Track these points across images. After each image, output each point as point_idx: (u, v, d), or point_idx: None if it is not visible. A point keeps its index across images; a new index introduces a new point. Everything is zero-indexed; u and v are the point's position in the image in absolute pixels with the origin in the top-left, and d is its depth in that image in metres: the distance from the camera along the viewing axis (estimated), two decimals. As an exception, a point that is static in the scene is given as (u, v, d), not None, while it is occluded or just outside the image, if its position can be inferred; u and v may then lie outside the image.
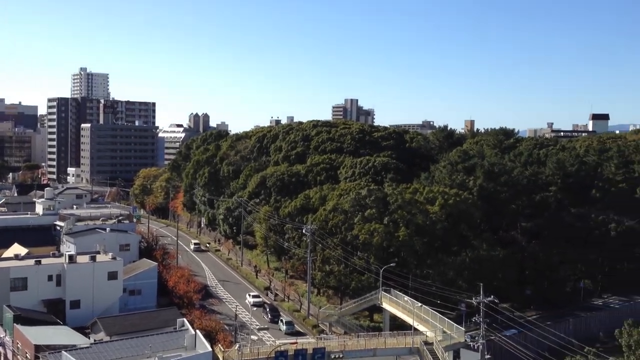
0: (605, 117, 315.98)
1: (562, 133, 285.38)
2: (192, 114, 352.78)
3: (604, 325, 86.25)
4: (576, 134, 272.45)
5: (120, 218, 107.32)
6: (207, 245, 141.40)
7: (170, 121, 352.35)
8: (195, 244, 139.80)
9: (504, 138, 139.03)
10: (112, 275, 72.24)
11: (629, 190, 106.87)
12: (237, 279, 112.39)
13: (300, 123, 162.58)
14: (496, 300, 63.40)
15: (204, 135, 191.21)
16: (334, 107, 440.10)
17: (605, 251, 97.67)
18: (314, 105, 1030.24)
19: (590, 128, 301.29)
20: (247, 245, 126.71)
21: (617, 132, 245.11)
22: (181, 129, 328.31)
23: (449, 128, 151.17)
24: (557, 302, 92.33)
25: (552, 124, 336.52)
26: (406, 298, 72.98)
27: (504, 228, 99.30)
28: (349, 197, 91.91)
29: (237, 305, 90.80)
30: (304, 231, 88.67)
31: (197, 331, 57.95)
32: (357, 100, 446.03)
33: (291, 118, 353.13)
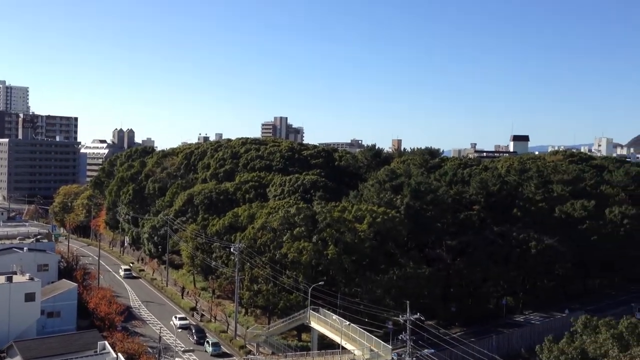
0: (525, 138, 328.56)
1: (484, 153, 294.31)
2: (116, 129, 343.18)
3: (526, 341, 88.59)
4: (498, 154, 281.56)
5: (38, 237, 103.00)
6: (140, 271, 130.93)
7: (93, 137, 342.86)
8: (125, 270, 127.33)
9: (430, 158, 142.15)
10: (30, 297, 68.78)
11: (548, 209, 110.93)
12: (161, 299, 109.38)
13: (229, 140, 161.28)
14: (422, 318, 64.11)
15: (129, 152, 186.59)
16: (263, 125, 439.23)
17: (526, 268, 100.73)
18: (243, 123, 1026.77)
19: (511, 149, 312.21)
20: (173, 265, 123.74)
21: (537, 152, 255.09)
22: (104, 145, 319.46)
23: (377, 147, 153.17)
24: (481, 318, 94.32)
25: (476, 144, 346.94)
26: (334, 317, 72.76)
27: (430, 246, 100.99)
28: (277, 215, 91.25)
29: (161, 327, 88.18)
30: (232, 250, 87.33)
31: (119, 354, 55.80)
32: (286, 118, 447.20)
33: (220, 135, 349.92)
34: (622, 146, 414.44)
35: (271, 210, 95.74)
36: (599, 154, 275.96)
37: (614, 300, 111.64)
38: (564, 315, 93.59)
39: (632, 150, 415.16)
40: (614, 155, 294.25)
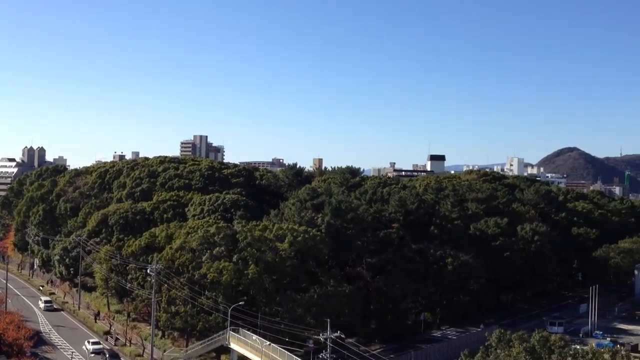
0: (442, 157, 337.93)
1: (403, 172, 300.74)
2: (26, 147, 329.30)
3: (443, 356, 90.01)
4: (416, 173, 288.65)
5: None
6: (51, 294, 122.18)
7: (1, 155, 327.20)
8: (46, 302, 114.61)
9: (350, 176, 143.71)
10: None
11: (464, 227, 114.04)
12: (73, 323, 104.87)
13: (147, 159, 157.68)
14: (342, 336, 64.20)
15: (39, 170, 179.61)
16: (182, 143, 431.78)
17: (443, 284, 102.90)
18: (161, 141, 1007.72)
19: (428, 168, 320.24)
20: (86, 288, 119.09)
21: (453, 172, 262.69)
22: (13, 164, 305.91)
23: (298, 166, 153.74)
24: (400, 334, 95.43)
25: (395, 163, 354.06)
26: (255, 337, 71.73)
27: (350, 264, 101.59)
28: (197, 234, 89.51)
29: (73, 352, 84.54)
30: (148, 271, 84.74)
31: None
32: (206, 136, 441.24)
33: (136, 153, 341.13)
34: (532, 166, 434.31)
35: (190, 230, 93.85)
36: (511, 173, 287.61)
37: (527, 315, 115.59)
38: (479, 329, 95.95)
39: (541, 169, 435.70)
40: (525, 174, 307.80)
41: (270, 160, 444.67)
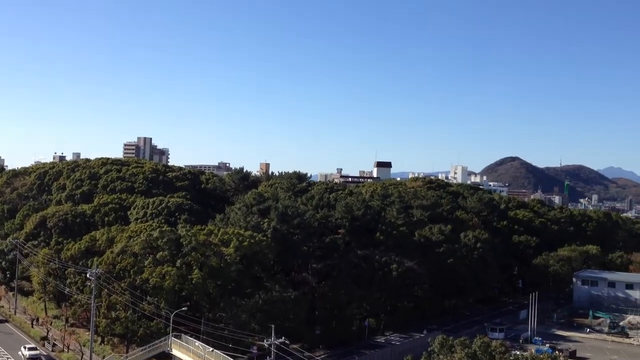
0: (388, 164, 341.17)
1: (350, 178, 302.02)
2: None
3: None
4: (362, 179, 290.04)
5: None
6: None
7: None
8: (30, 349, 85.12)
9: (297, 182, 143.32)
10: None
11: (409, 233, 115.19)
12: (9, 328, 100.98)
13: (88, 160, 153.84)
14: (287, 341, 63.77)
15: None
16: (125, 145, 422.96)
17: (387, 290, 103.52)
18: (104, 143, 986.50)
19: (375, 174, 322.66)
20: (23, 292, 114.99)
21: (399, 179, 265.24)
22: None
23: (244, 170, 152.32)
24: (344, 340, 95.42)
25: (341, 169, 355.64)
26: (197, 343, 70.53)
27: (296, 269, 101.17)
28: (139, 238, 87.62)
29: (8, 358, 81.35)
30: (88, 275, 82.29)
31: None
32: (150, 139, 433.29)
33: (77, 155, 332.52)
34: (475, 174, 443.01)
35: (132, 234, 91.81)
36: (455, 181, 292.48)
37: (469, 320, 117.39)
38: (422, 335, 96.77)
39: (484, 178, 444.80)
40: (469, 182, 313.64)
41: (217, 164, 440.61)
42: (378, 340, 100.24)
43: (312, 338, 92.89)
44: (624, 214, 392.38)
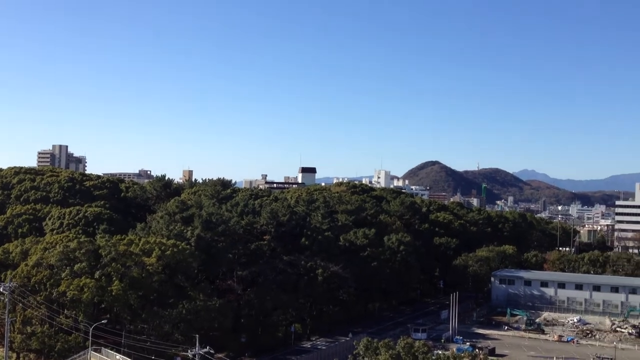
0: (312, 170, 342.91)
1: (275, 184, 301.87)
2: None
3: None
4: (287, 185, 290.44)
5: None
6: None
7: None
8: None
9: (222, 188, 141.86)
10: None
11: (334, 238, 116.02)
12: None
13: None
14: (212, 351, 62.99)
15: None
16: (40, 154, 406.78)
17: (313, 295, 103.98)
18: (16, 151, 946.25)
19: (299, 180, 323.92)
20: None
21: (323, 184, 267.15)
22: None
23: (166, 178, 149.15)
24: (270, 347, 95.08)
25: (266, 175, 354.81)
26: (118, 356, 68.68)
27: (221, 277, 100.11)
28: (56, 250, 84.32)
29: None
30: (1, 289, 78.44)
31: None
32: (66, 146, 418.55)
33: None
34: (398, 178, 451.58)
35: (48, 246, 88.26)
36: (378, 186, 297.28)
37: (392, 322, 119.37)
38: (347, 338, 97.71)
39: (406, 181, 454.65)
40: (392, 186, 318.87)
41: (137, 171, 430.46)
42: (304, 345, 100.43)
43: (238, 346, 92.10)
44: (538, 215, 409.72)
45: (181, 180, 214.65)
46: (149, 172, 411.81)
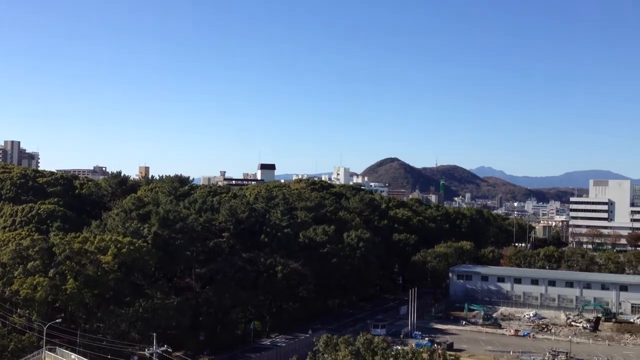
0: (272, 166, 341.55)
1: (234, 181, 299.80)
2: None
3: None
4: (246, 182, 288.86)
5: None
6: None
7: None
8: None
9: (179, 185, 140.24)
10: None
11: (293, 235, 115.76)
12: None
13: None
14: (169, 349, 62.13)
15: None
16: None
17: (273, 292, 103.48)
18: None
19: (259, 177, 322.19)
20: None
21: (283, 181, 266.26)
22: None
23: (122, 174, 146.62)
24: (230, 345, 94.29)
25: (225, 172, 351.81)
26: (73, 356, 67.08)
27: (179, 275, 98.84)
28: (8, 248, 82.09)
29: None
30: (-51, 290, 76.09)
31: None
32: (19, 142, 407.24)
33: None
34: (357, 175, 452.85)
35: (0, 244, 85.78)
36: (337, 182, 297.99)
37: (352, 318, 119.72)
38: (307, 335, 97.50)
39: (366, 178, 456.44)
40: (351, 183, 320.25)
41: (92, 168, 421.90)
42: (264, 342, 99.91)
43: (196, 344, 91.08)
44: (495, 211, 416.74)
45: (137, 177, 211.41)
46: (104, 169, 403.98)
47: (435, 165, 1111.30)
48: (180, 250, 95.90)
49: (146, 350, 62.16)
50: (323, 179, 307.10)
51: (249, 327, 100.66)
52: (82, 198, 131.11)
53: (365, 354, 60.12)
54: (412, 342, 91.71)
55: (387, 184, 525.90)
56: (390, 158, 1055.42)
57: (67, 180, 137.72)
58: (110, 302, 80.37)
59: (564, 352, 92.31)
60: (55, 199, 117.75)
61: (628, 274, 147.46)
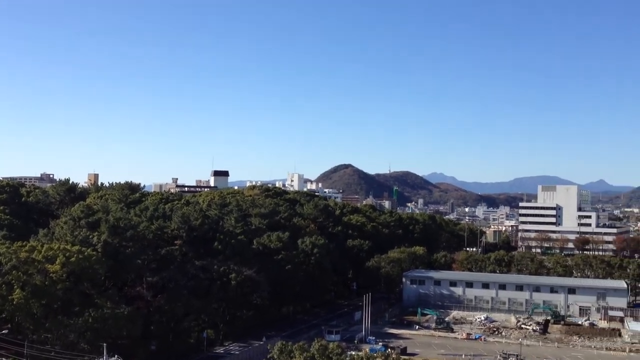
0: (225, 173, 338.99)
1: (186, 188, 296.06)
2: None
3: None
4: (199, 189, 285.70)
5: None
6: None
7: None
8: None
9: (130, 192, 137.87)
10: None
11: (247, 242, 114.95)
12: None
13: None
14: (120, 359, 60.74)
15: None
16: None
17: (226, 300, 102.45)
18: None
19: (212, 183, 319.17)
20: None
21: (236, 187, 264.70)
22: None
23: (71, 182, 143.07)
24: (182, 354, 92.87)
25: (177, 179, 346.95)
26: (20, 369, 64.99)
27: (129, 283, 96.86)
28: (-51, 258, 78.99)
29: None
30: None
31: None
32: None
33: None
34: (311, 181, 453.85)
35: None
36: (292, 189, 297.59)
37: (307, 325, 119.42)
38: (261, 342, 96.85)
39: (320, 185, 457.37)
40: (305, 189, 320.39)
41: (39, 175, 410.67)
42: (217, 351, 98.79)
43: (148, 354, 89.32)
44: (447, 217, 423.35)
45: (86, 184, 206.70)
46: (51, 176, 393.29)
47: (388, 172, 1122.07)
48: (131, 259, 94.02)
49: (95, 361, 60.70)
50: (277, 185, 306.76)
51: (202, 336, 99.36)
52: (28, 206, 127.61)
53: (320, 360, 60.06)
54: (366, 347, 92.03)
55: (341, 190, 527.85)
56: (344, 164, 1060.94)
57: (13, 188, 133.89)
58: (58, 312, 78.22)
59: (514, 355, 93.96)
60: (1, 207, 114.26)
61: (576, 277, 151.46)
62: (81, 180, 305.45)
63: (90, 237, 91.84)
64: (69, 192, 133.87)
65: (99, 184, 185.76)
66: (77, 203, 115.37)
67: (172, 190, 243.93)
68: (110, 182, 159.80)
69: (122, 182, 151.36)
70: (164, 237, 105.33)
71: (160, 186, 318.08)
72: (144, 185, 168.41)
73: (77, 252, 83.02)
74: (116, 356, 60.72)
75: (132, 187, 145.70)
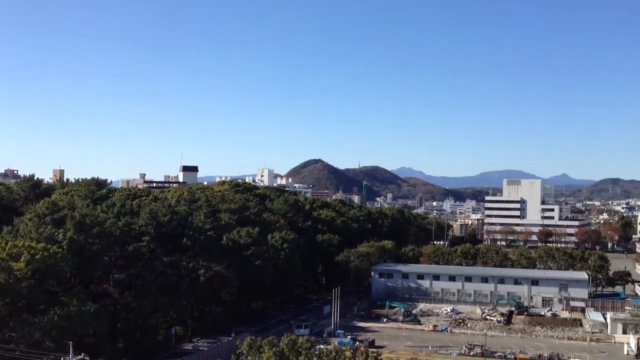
0: (194, 169, 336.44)
1: (154, 184, 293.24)
2: None
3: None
4: (168, 184, 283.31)
5: None
6: None
7: None
8: None
9: (97, 188, 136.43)
10: None
11: (217, 237, 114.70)
12: None
13: None
14: (86, 358, 60.56)
15: None
16: None
17: (195, 296, 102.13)
18: None
19: (181, 179, 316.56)
20: None
21: (206, 183, 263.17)
22: None
23: (35, 177, 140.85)
24: (150, 351, 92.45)
25: (145, 174, 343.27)
26: (-17, 369, 64.08)
27: (96, 281, 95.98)
28: None
29: None
30: None
31: None
32: None
33: None
34: (281, 176, 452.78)
35: None
36: (262, 184, 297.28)
37: (276, 320, 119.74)
38: (230, 338, 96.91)
39: (290, 180, 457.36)
40: (275, 184, 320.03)
41: (3, 171, 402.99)
42: (185, 347, 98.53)
43: (115, 352, 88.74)
44: (415, 211, 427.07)
45: (52, 180, 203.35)
46: (15, 172, 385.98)
47: (358, 167, 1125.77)
48: (98, 256, 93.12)
49: (62, 359, 60.16)
50: (247, 180, 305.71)
51: (170, 333, 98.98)
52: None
53: (290, 355, 60.45)
54: (335, 341, 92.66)
55: (311, 185, 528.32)
56: (314, 159, 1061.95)
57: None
58: (23, 310, 77.14)
59: (479, 345, 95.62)
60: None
61: (539, 268, 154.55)
62: (46, 176, 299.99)
63: (56, 234, 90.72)
64: (34, 188, 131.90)
65: (65, 180, 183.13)
66: (42, 199, 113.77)
67: (139, 186, 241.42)
68: (77, 178, 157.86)
69: (89, 178, 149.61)
70: (131, 233, 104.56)
71: (128, 182, 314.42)
72: (111, 181, 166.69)
73: (42, 250, 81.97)
74: (82, 354, 60.24)
75: (99, 183, 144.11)
